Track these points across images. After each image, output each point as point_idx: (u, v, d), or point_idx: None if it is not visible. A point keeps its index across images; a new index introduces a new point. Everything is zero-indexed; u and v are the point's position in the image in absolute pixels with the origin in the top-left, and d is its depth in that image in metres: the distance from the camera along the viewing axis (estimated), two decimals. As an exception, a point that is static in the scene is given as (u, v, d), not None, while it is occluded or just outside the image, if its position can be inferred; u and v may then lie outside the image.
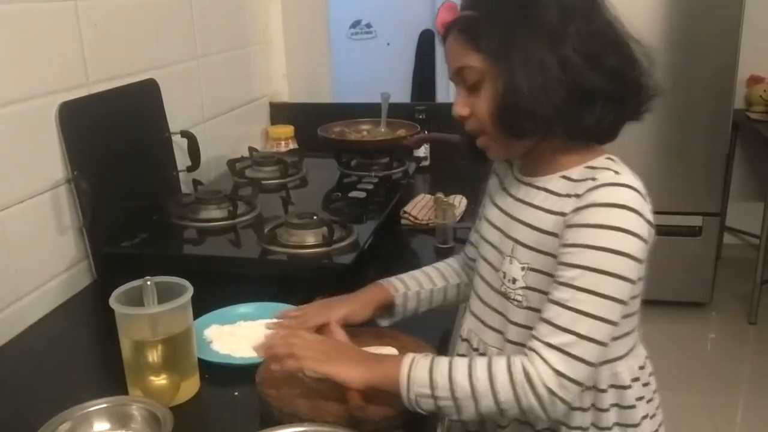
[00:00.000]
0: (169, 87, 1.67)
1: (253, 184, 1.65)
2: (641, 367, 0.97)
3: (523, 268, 0.92)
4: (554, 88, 0.84)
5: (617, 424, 0.95)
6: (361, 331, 1.08)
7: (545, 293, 0.87)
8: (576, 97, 0.85)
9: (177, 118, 1.70)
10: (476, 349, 1.02)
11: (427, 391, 0.84)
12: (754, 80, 3.39)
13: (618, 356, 0.94)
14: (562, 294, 0.83)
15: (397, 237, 1.62)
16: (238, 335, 1.12)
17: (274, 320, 1.09)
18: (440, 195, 1.68)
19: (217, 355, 1.08)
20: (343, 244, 1.34)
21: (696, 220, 3.17)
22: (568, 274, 0.83)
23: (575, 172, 0.90)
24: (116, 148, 1.48)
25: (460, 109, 0.93)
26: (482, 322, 1.01)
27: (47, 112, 1.31)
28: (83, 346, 1.25)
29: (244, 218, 1.50)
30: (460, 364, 0.85)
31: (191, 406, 0.99)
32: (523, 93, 0.84)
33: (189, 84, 1.84)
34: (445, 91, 4.07)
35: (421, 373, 0.85)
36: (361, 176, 1.77)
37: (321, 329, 1.03)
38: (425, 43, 4.24)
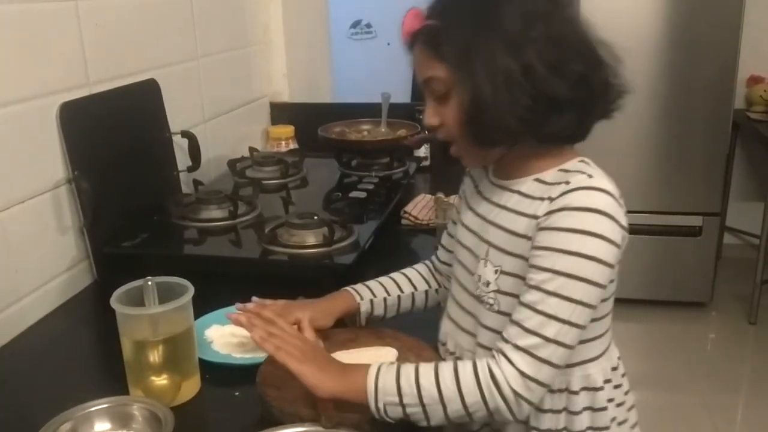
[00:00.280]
0: (170, 87, 1.67)
1: (253, 184, 1.65)
2: (614, 368, 0.97)
3: (496, 271, 0.92)
4: (519, 97, 0.83)
5: (590, 428, 0.94)
6: (361, 331, 1.09)
7: (516, 296, 0.87)
8: (542, 105, 0.84)
9: (177, 118, 1.70)
10: (452, 353, 1.01)
11: (395, 399, 0.84)
12: (754, 80, 3.39)
13: (591, 358, 0.94)
14: (532, 297, 0.83)
15: (397, 237, 1.62)
16: (238, 335, 1.12)
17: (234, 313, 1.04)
18: (441, 195, 1.67)
19: (217, 356, 1.08)
20: (343, 244, 1.35)
21: (696, 220, 3.17)
22: (538, 277, 0.83)
23: (548, 174, 0.90)
24: (117, 148, 1.48)
25: (430, 119, 0.93)
26: (457, 325, 1.01)
27: (48, 112, 1.31)
28: (84, 346, 1.25)
29: (244, 218, 1.50)
30: (427, 369, 0.85)
31: (192, 406, 0.99)
32: (488, 103, 0.83)
33: (189, 84, 1.84)
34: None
35: (388, 383, 0.85)
36: (361, 176, 1.77)
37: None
38: (426, 43, 4.22)
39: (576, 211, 0.83)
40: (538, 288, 0.83)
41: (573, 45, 0.86)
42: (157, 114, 1.65)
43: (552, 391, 0.92)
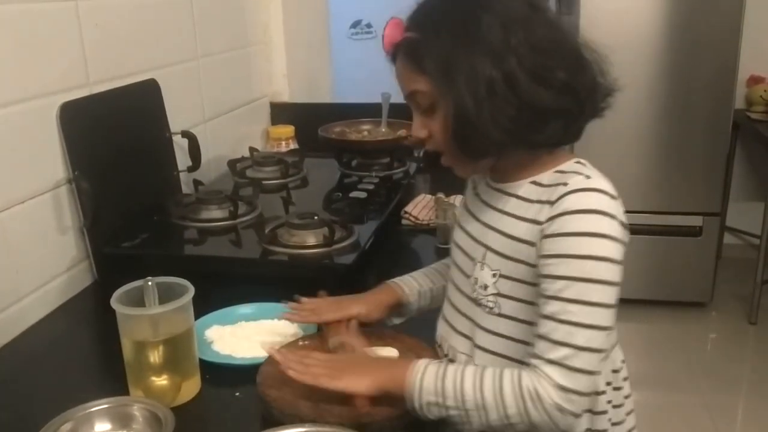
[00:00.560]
0: (170, 87, 1.67)
1: (253, 185, 1.65)
2: (615, 371, 0.97)
3: (494, 275, 0.91)
4: (503, 108, 0.82)
5: (589, 429, 0.94)
6: (362, 331, 1.08)
7: (518, 300, 0.87)
8: (527, 115, 0.83)
9: (177, 118, 1.70)
10: (446, 355, 1.01)
11: (437, 399, 0.85)
12: (755, 80, 3.39)
13: None
14: (552, 308, 0.82)
15: (397, 237, 1.62)
16: (239, 336, 1.12)
17: (286, 312, 1.09)
18: (441, 195, 1.68)
19: (218, 356, 1.08)
20: (344, 244, 1.35)
21: (696, 220, 3.17)
22: (554, 287, 0.82)
23: (545, 177, 0.89)
24: (117, 148, 1.48)
25: (417, 132, 0.92)
26: (452, 327, 1.00)
27: (48, 112, 1.31)
28: (84, 346, 1.25)
29: (244, 218, 1.50)
30: (469, 374, 0.85)
31: (192, 407, 0.99)
32: (473, 116, 0.82)
33: (189, 84, 1.84)
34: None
35: (430, 382, 0.85)
36: (361, 176, 1.77)
37: (333, 326, 1.04)
38: (426, 43, 4.23)
39: (577, 213, 0.83)
40: (556, 298, 0.82)
41: (555, 49, 0.85)
42: (157, 114, 1.65)
43: None
